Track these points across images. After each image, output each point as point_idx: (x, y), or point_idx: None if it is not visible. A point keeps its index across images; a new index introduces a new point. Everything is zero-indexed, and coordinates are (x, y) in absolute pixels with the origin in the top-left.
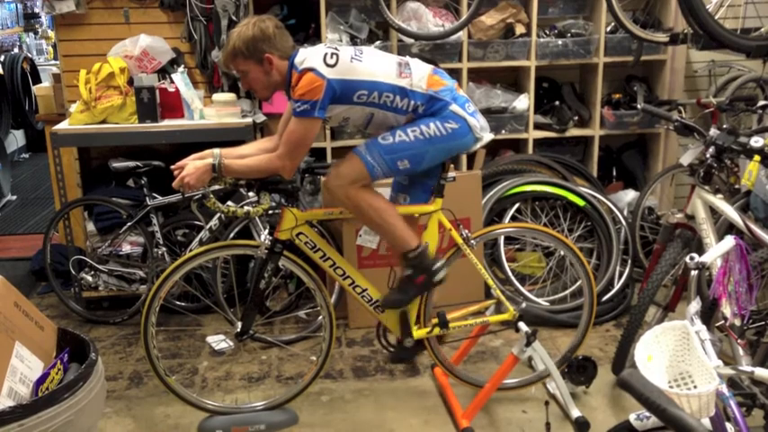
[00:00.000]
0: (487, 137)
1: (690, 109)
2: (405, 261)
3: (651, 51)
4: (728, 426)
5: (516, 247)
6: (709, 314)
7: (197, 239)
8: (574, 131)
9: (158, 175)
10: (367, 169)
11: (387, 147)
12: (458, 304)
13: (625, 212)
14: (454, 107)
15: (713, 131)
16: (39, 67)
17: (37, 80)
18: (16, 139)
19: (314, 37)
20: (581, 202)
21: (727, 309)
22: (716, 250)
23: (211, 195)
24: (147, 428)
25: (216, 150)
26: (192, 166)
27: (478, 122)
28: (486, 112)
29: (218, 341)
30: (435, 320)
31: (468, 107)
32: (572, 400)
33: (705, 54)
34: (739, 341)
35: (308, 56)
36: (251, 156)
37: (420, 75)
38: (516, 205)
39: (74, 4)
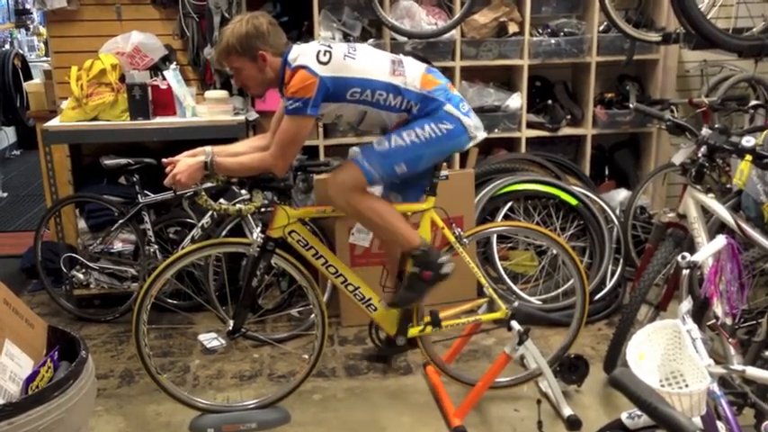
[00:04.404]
0: (481, 135)
1: (682, 108)
2: (411, 259)
3: (643, 51)
4: (719, 424)
5: (509, 245)
6: (700, 313)
7: (189, 237)
8: (566, 130)
9: (150, 172)
10: (365, 175)
11: (383, 153)
12: (450, 303)
13: (617, 211)
14: (448, 107)
15: (705, 131)
16: (30, 64)
17: (28, 77)
18: (7, 135)
19: (307, 34)
20: (573, 201)
21: (718, 308)
22: (707, 249)
23: (203, 193)
24: (139, 427)
25: (208, 148)
26: (185, 164)
27: (472, 122)
28: (479, 111)
29: (210, 339)
30: (428, 319)
31: (463, 107)
32: (564, 399)
33: (697, 54)
34: (730, 340)
35: (301, 53)
36: (243, 153)
37: (414, 74)
38: (509, 204)
39: (65, 0)
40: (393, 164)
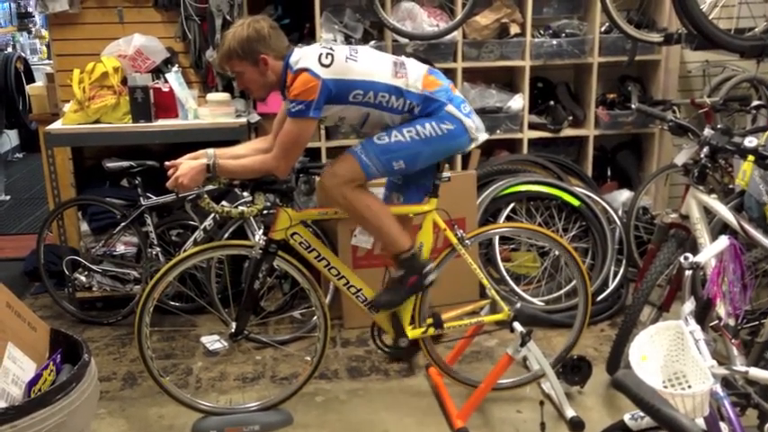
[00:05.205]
0: (482, 137)
1: (684, 109)
2: (397, 262)
3: (645, 51)
4: (723, 425)
5: (511, 246)
6: (703, 314)
7: (191, 239)
8: (568, 131)
9: (152, 174)
10: (362, 169)
11: (382, 147)
12: (453, 304)
13: (620, 212)
14: (450, 108)
15: (707, 131)
16: (32, 67)
17: (30, 80)
18: (10, 138)
19: (308, 37)
20: (576, 202)
21: (721, 309)
22: (710, 250)
23: (205, 195)
24: (141, 429)
25: (210, 150)
26: (187, 166)
27: (474, 123)
28: (481, 112)
29: (213, 341)
30: (430, 320)
31: (464, 108)
32: (567, 400)
33: (699, 54)
34: (733, 341)
35: (303, 56)
36: (245, 156)
37: (416, 75)
38: (511, 205)
39: (67, 3)
40: (392, 159)
